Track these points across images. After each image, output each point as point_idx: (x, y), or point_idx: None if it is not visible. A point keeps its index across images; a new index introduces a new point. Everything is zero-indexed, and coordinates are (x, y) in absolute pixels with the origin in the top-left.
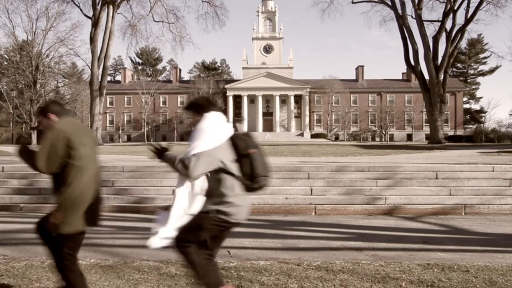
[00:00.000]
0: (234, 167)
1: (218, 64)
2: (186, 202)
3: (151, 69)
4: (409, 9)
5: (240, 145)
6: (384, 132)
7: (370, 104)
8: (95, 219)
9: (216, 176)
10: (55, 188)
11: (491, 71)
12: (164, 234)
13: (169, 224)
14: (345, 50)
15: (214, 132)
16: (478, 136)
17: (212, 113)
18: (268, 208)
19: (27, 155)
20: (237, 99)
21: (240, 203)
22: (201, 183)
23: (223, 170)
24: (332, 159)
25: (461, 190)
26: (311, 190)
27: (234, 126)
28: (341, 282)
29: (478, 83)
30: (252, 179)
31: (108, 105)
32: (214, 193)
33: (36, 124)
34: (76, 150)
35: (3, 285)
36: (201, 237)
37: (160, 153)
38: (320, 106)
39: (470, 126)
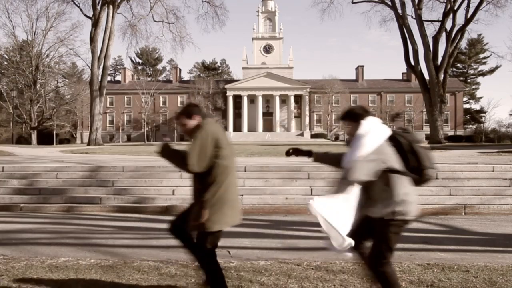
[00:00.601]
0: (399, 165)
1: (218, 64)
2: (350, 210)
3: (151, 69)
4: (409, 9)
5: (402, 141)
6: None
7: (370, 104)
8: (237, 216)
9: (384, 177)
10: (200, 188)
11: (491, 71)
12: (340, 242)
13: (339, 231)
14: (345, 50)
15: (374, 136)
16: (478, 136)
17: (369, 119)
18: (268, 208)
19: (174, 155)
20: (237, 99)
21: (412, 199)
22: (361, 189)
23: (390, 170)
24: None
25: (461, 190)
26: (311, 190)
27: (392, 125)
28: (341, 282)
29: (478, 83)
30: (420, 173)
31: (108, 105)
32: (386, 195)
33: (180, 124)
34: (223, 150)
35: (3, 285)
36: (393, 245)
37: (308, 154)
38: (320, 106)
39: (470, 126)
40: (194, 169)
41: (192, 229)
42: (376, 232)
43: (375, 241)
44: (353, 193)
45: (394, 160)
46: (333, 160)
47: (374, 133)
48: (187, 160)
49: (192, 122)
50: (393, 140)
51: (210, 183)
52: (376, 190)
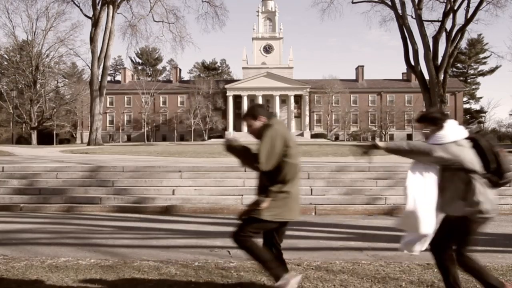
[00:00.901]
0: (478, 166)
1: (218, 64)
2: (431, 205)
3: (151, 69)
4: (409, 9)
5: (483, 144)
6: (384, 132)
7: (370, 104)
8: (296, 214)
9: (464, 178)
10: (267, 185)
11: (491, 71)
12: (419, 239)
13: (422, 228)
14: (345, 50)
15: (453, 138)
16: None
17: (448, 122)
18: None
19: (242, 152)
20: (237, 99)
21: (491, 198)
22: (437, 188)
23: (470, 171)
24: (332, 159)
25: None
26: (311, 190)
27: (469, 128)
28: (341, 282)
29: (478, 83)
30: (500, 175)
31: (108, 105)
32: (466, 195)
33: (247, 125)
34: (291, 149)
35: (3, 285)
36: (469, 241)
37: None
38: (320, 106)
39: (470, 126)
40: (264, 167)
41: (244, 214)
42: (457, 230)
43: (456, 239)
44: (433, 190)
45: (474, 162)
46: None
47: (454, 135)
48: (258, 158)
49: (258, 123)
50: (474, 142)
51: (278, 182)
52: (457, 189)
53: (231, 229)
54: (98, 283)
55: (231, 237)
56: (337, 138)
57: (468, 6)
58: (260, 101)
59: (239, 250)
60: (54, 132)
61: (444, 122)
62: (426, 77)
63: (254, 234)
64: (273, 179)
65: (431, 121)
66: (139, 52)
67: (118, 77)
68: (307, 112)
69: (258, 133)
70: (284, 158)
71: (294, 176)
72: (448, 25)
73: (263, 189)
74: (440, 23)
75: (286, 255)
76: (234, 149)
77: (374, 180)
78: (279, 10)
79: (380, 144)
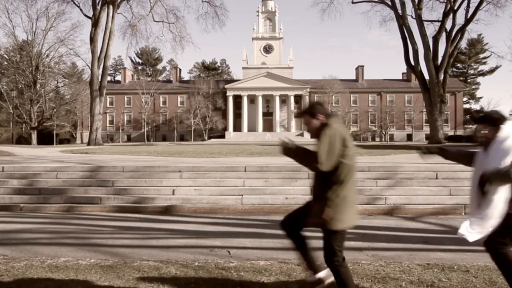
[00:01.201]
0: None
1: (218, 64)
2: (502, 205)
3: (151, 69)
4: (409, 9)
5: None
6: (384, 132)
7: (370, 104)
8: (357, 217)
9: None
10: (323, 186)
11: (491, 71)
12: (479, 229)
13: (486, 221)
14: (345, 50)
15: None
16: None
17: (508, 123)
18: (268, 208)
19: (300, 153)
20: (237, 99)
21: None
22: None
23: None
24: None
25: (461, 190)
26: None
27: None
28: None
29: (478, 83)
30: None
31: (108, 105)
32: None
33: (304, 123)
34: (349, 150)
35: (3, 285)
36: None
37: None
38: None
39: (470, 126)
40: (324, 167)
41: (312, 226)
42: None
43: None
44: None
45: None
46: (464, 158)
47: None
48: (317, 158)
49: (316, 121)
50: None
51: (335, 182)
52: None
53: (231, 229)
54: (98, 283)
55: (326, 260)
56: None
57: (468, 6)
58: (260, 101)
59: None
60: (54, 132)
61: (504, 124)
62: (426, 77)
63: (341, 249)
64: (329, 180)
65: (492, 122)
66: (139, 52)
67: (118, 77)
68: None
69: (316, 132)
70: (341, 158)
71: (350, 178)
72: (448, 25)
73: (318, 191)
74: (440, 23)
75: (286, 255)
76: (291, 151)
77: (374, 180)
78: (279, 10)
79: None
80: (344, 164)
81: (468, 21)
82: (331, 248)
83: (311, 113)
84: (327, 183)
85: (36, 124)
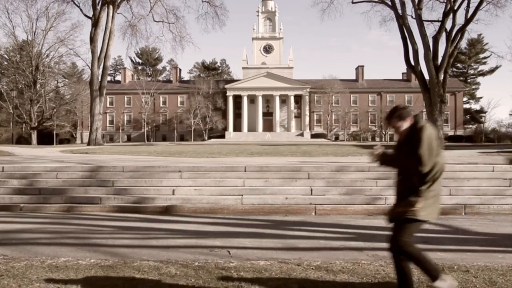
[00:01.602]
0: None
1: (218, 64)
2: None
3: (151, 69)
4: (409, 9)
5: None
6: (384, 132)
7: (370, 104)
8: (439, 212)
9: None
10: (413, 186)
11: (491, 71)
12: None
13: None
14: (345, 50)
15: None
16: (478, 136)
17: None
18: (268, 208)
19: (395, 159)
20: (237, 99)
21: None
22: None
23: None
24: (332, 159)
25: (461, 190)
26: (311, 190)
27: None
28: (341, 282)
29: (478, 83)
30: None
31: (108, 105)
32: None
33: (393, 127)
34: (440, 149)
35: (3, 285)
36: None
37: None
38: (320, 106)
39: (470, 126)
40: (426, 169)
41: (396, 216)
42: None
43: None
44: None
45: None
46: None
47: None
48: (422, 161)
49: (405, 124)
50: None
51: (429, 180)
52: None
53: (231, 229)
54: (98, 283)
55: (391, 244)
56: (337, 138)
57: (468, 6)
58: (260, 101)
59: (402, 255)
60: (54, 132)
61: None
62: (426, 77)
63: (411, 237)
64: (423, 178)
65: None
66: (139, 52)
67: (118, 77)
68: (307, 112)
69: (406, 135)
70: (435, 158)
71: (440, 176)
72: (448, 25)
73: (408, 191)
74: (440, 23)
75: (286, 255)
76: (387, 160)
77: (374, 180)
78: (279, 10)
79: None
80: (437, 162)
81: (468, 21)
82: (402, 231)
83: (400, 117)
84: (420, 182)
85: (36, 124)
